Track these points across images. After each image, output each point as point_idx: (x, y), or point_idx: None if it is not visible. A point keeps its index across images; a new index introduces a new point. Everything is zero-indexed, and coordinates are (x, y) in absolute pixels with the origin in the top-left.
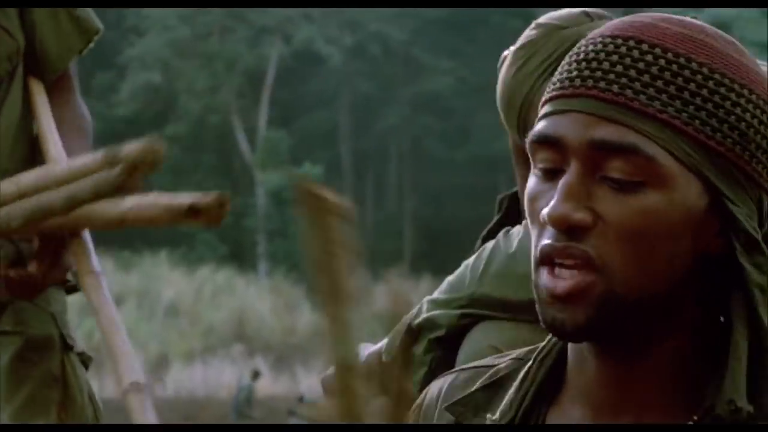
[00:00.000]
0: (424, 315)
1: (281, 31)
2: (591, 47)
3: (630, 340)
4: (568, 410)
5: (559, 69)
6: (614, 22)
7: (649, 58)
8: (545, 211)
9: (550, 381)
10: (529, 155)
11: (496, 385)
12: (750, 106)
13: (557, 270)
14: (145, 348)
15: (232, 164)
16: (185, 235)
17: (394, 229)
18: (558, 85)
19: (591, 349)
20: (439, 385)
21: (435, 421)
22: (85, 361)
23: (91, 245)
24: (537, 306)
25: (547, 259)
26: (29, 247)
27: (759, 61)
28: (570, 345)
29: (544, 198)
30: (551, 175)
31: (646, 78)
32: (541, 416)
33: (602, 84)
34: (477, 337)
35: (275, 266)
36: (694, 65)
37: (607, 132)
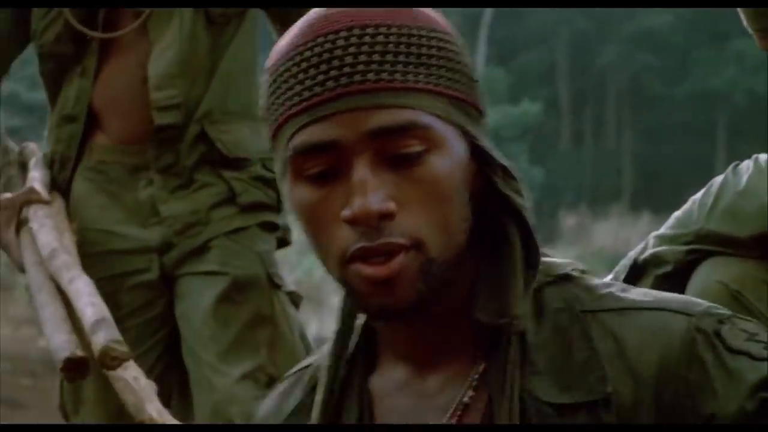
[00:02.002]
0: (650, 250)
1: None
2: (318, 48)
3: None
4: (390, 372)
5: (289, 83)
6: (312, 21)
7: (383, 37)
8: (347, 212)
9: (362, 352)
10: (290, 169)
11: (313, 385)
12: (450, 45)
13: (373, 260)
14: None
15: None
16: None
17: (613, 167)
18: (306, 95)
19: None
20: (265, 408)
21: None
22: (295, 300)
23: None
24: (356, 299)
25: (360, 257)
26: None
27: None
28: None
29: (330, 202)
30: (325, 179)
31: (394, 57)
32: (362, 385)
33: (357, 77)
34: (704, 274)
35: None
36: (414, 30)
37: (380, 119)
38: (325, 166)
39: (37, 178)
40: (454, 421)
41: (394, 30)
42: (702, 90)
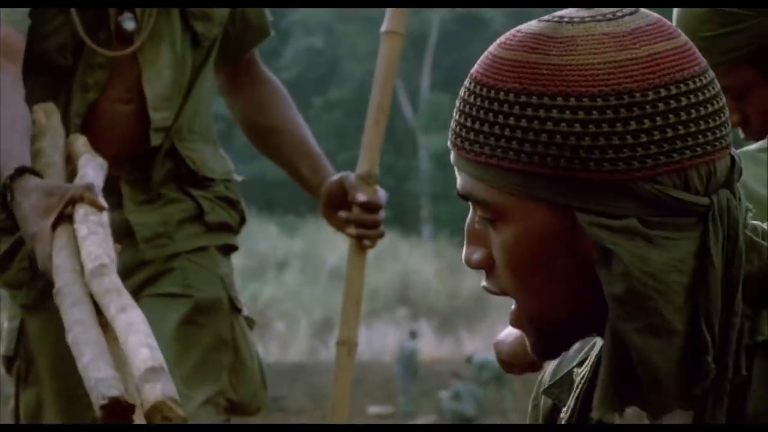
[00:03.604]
0: None
1: None
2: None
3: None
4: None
5: None
6: None
7: (472, 99)
8: None
9: None
10: None
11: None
12: (566, 113)
13: None
14: (310, 312)
15: (394, 128)
16: None
17: None
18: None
19: None
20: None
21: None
22: (250, 324)
23: None
24: None
25: None
26: None
27: None
28: None
29: None
30: None
31: (468, 122)
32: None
33: (455, 139)
34: None
35: (439, 229)
36: (501, 95)
37: (459, 183)
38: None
39: (90, 176)
40: None
41: (485, 91)
42: None
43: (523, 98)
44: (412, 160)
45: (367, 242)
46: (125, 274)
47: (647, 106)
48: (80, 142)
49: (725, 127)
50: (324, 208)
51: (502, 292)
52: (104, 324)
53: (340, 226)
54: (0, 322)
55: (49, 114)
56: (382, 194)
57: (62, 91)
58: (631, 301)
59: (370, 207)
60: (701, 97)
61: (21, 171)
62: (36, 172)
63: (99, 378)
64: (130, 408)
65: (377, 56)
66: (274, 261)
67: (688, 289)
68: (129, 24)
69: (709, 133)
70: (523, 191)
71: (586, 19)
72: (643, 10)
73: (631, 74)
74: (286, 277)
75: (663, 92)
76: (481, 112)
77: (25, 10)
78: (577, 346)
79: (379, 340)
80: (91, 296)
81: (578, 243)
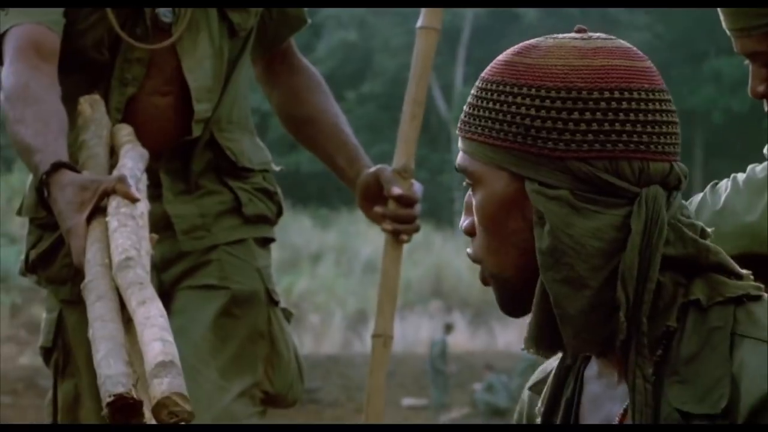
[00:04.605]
0: None
1: None
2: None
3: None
4: (593, 363)
5: None
6: None
7: (475, 91)
8: None
9: None
10: None
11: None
12: (527, 100)
13: None
14: (344, 304)
15: (428, 121)
16: None
17: None
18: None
19: None
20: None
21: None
22: (287, 316)
23: None
24: None
25: None
26: None
27: None
28: None
29: None
30: None
31: (468, 110)
32: (581, 370)
33: (459, 124)
34: None
35: None
36: (487, 85)
37: (457, 160)
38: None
39: (128, 167)
40: (619, 417)
41: (479, 86)
42: (679, 108)
43: (501, 87)
44: (446, 153)
45: (403, 237)
46: (164, 265)
47: (590, 102)
48: (124, 132)
49: (665, 138)
50: (360, 200)
51: (475, 257)
52: (128, 319)
53: (376, 219)
54: (37, 314)
55: (94, 105)
56: (417, 188)
57: (100, 86)
58: (552, 255)
59: (406, 201)
60: (642, 107)
61: (57, 166)
62: (72, 166)
63: (108, 375)
64: (138, 404)
65: (412, 51)
66: (308, 254)
67: (606, 254)
68: (166, 16)
69: (645, 136)
70: (491, 161)
71: (567, 38)
72: (619, 39)
73: (584, 77)
74: (320, 270)
75: (607, 94)
76: (476, 100)
77: (60, 10)
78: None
79: (413, 333)
80: (117, 290)
81: (527, 209)
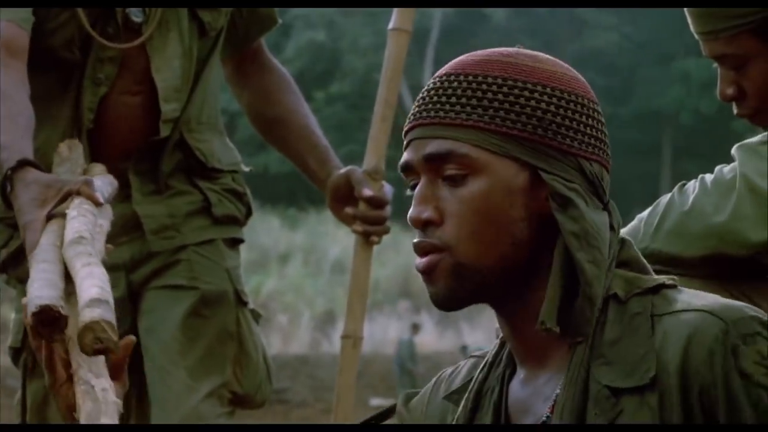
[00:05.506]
0: None
1: None
2: (424, 88)
3: (507, 299)
4: (519, 371)
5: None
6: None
7: (455, 83)
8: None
9: (510, 356)
10: None
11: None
12: (545, 97)
13: (420, 255)
14: (312, 304)
15: (397, 121)
16: None
17: None
18: (407, 123)
19: (498, 318)
20: (442, 377)
21: (426, 410)
22: (256, 317)
23: None
24: None
25: (415, 251)
26: None
27: None
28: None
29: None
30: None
31: (453, 99)
32: (504, 378)
33: (425, 113)
34: None
35: None
36: (489, 79)
37: (431, 147)
38: (413, 182)
39: (96, 183)
40: (549, 409)
41: (470, 78)
42: (648, 109)
43: (509, 82)
44: None
45: (374, 238)
46: (133, 265)
47: (588, 108)
48: (97, 169)
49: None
50: (330, 201)
51: (442, 244)
52: (70, 292)
53: (346, 220)
54: (6, 315)
55: (72, 148)
56: (388, 190)
57: (72, 85)
58: (585, 238)
59: (376, 202)
60: (602, 118)
61: (22, 163)
62: (38, 165)
63: (37, 295)
64: (63, 318)
65: (381, 51)
66: (276, 254)
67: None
68: (137, 15)
69: (606, 146)
70: (499, 150)
71: (524, 50)
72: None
73: (580, 86)
74: (289, 270)
75: (593, 104)
76: (468, 91)
77: (29, 9)
78: (463, 373)
79: (381, 333)
80: (63, 262)
81: (533, 198)
